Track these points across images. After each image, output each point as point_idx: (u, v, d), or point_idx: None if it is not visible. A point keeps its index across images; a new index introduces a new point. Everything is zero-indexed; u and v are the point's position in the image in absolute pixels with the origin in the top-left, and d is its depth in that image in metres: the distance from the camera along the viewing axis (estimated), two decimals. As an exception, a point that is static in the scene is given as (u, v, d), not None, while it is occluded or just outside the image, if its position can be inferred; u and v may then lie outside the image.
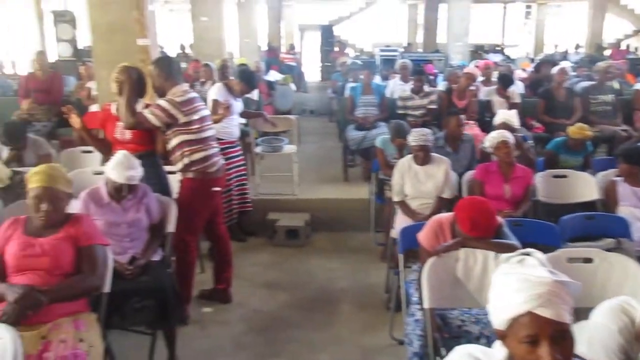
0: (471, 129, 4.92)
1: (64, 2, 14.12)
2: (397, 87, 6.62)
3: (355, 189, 5.48)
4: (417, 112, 5.61)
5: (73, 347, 2.02)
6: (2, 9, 13.42)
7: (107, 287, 2.36)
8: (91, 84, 6.18)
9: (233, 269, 3.78)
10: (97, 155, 4.37)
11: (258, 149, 5.28)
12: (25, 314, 2.01)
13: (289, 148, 5.32)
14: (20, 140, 4.17)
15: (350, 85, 6.54)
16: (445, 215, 2.57)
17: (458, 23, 10.85)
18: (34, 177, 2.26)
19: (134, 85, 3.31)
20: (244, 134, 5.27)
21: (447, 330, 2.36)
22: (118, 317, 2.64)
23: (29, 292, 2.05)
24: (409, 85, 6.22)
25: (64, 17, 9.78)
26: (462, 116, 4.34)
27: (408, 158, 3.75)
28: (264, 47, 13.89)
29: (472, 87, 5.73)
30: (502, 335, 1.21)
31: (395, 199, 3.75)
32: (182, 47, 13.53)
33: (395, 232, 3.67)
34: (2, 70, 7.56)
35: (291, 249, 4.69)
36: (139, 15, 4.02)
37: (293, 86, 9.70)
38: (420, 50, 15.60)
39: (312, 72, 15.33)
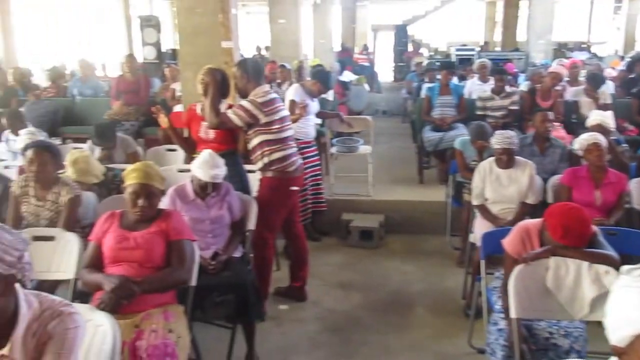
0: (557, 131, 4.68)
1: (150, 7, 14.91)
2: (475, 87, 6.42)
3: (431, 191, 5.38)
4: (497, 113, 5.42)
5: (163, 337, 2.11)
6: (94, 15, 14.37)
7: (193, 281, 2.46)
8: (175, 85, 6.47)
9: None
10: (180, 154, 4.56)
11: (333, 149, 5.31)
12: (120, 303, 2.14)
13: (364, 149, 5.31)
14: (110, 140, 4.42)
15: (427, 85, 6.43)
16: (533, 221, 2.46)
17: (540, 19, 10.36)
18: (131, 174, 2.39)
19: (219, 86, 3.43)
20: (319, 134, 5.31)
21: (533, 342, 2.26)
22: (199, 310, 2.74)
23: (124, 282, 2.18)
24: (488, 85, 6.03)
25: (149, 22, 10.28)
26: (550, 113, 4.12)
27: (490, 161, 3.63)
28: (337, 48, 13.94)
29: (557, 87, 5.45)
30: (620, 353, 1.13)
31: (475, 202, 3.63)
32: (258, 49, 13.88)
33: (474, 237, 3.57)
34: (94, 72, 8.06)
35: (365, 250, 4.68)
36: (223, 18, 4.16)
37: (366, 86, 9.67)
38: (498, 48, 15.07)
39: (384, 72, 15.22)
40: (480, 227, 3.47)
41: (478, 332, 3.02)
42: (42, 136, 4.13)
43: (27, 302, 1.43)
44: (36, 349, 1.41)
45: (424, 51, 15.51)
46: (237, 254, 3.08)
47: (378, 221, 4.86)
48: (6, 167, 4.02)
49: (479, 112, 5.47)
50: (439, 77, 6.04)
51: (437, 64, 7.63)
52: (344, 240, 4.83)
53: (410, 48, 14.91)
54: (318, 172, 4.84)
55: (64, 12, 13.48)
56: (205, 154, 3.01)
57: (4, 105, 6.20)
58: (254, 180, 3.71)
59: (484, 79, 6.46)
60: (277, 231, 3.63)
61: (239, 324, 2.92)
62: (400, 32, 15.80)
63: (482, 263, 2.82)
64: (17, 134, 4.87)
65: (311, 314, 3.59)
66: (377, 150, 5.67)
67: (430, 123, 5.67)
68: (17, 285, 1.41)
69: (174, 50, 12.43)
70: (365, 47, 15.01)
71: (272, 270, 3.66)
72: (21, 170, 3.79)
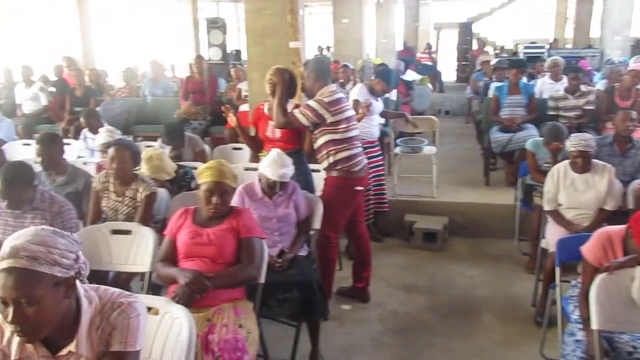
0: (637, 132, 4.40)
1: (217, 10, 15.34)
2: (546, 86, 6.16)
3: (497, 193, 5.21)
4: (571, 114, 5.18)
5: (234, 332, 2.16)
6: (163, 18, 14.95)
7: (262, 278, 2.50)
8: (241, 85, 6.62)
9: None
10: (246, 152, 4.66)
11: (397, 150, 5.25)
12: (194, 297, 2.20)
13: (428, 149, 5.22)
14: (179, 139, 4.56)
15: (495, 84, 6.23)
16: (615, 228, 2.32)
17: (617, 15, 9.79)
18: (205, 172, 2.46)
19: (286, 86, 3.47)
20: (382, 134, 5.27)
21: (614, 355, 2.13)
22: (265, 307, 2.78)
23: (198, 277, 2.24)
24: (561, 84, 5.78)
25: (216, 24, 10.59)
26: (634, 112, 3.88)
27: (564, 164, 3.46)
28: (399, 47, 13.79)
29: (638, 86, 5.14)
30: None
31: (547, 208, 3.48)
32: (320, 49, 13.95)
33: (546, 242, 3.43)
34: (164, 73, 8.39)
35: (428, 253, 4.60)
36: (292, 19, 4.21)
37: (430, 86, 9.50)
38: (569, 45, 14.40)
39: (447, 71, 14.90)
40: (553, 233, 3.33)
41: (550, 342, 2.90)
42: (118, 135, 4.33)
43: (88, 297, 1.48)
44: (101, 341, 1.46)
45: (489, 49, 15.05)
46: (303, 252, 3.11)
47: (442, 223, 4.77)
48: (84, 164, 4.24)
49: (551, 113, 5.25)
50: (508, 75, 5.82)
51: (506, 62, 7.36)
52: (407, 241, 4.77)
53: (475, 46, 14.52)
54: (381, 173, 4.80)
55: (136, 14, 14.10)
56: (273, 153, 3.05)
57: (83, 105, 6.56)
58: (318, 180, 3.74)
59: (556, 78, 6.19)
60: (340, 230, 3.62)
61: (304, 322, 2.95)
62: (465, 30, 15.41)
63: (558, 270, 2.70)
64: (94, 133, 5.14)
65: (374, 314, 3.57)
66: (441, 151, 5.56)
67: (498, 123, 5.49)
68: (77, 283, 1.45)
69: (238, 51, 12.74)
70: (429, 46, 14.73)
71: (336, 270, 3.67)
72: (99, 167, 4.00)
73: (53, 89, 7.43)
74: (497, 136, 5.34)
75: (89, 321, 1.46)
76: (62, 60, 8.42)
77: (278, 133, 3.60)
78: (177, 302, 2.07)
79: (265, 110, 3.69)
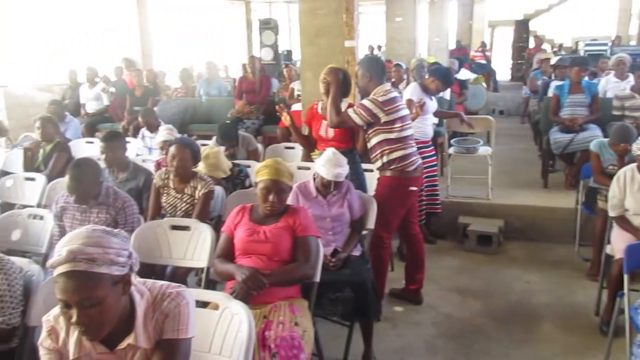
0: None
1: (269, 11, 15.54)
2: (611, 85, 5.89)
3: (556, 196, 5.03)
4: (637, 114, 4.92)
5: (290, 330, 2.17)
6: (217, 20, 15.28)
7: (318, 277, 2.50)
8: (294, 85, 6.68)
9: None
10: (298, 151, 4.69)
11: (451, 150, 5.15)
12: (250, 294, 2.23)
13: (484, 150, 5.09)
14: (233, 139, 4.64)
15: (555, 83, 6.00)
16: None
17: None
18: (262, 171, 2.49)
19: (340, 85, 3.47)
20: (436, 134, 5.18)
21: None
22: (317, 306, 2.79)
23: (255, 274, 2.27)
24: (626, 83, 5.51)
25: (268, 25, 10.73)
26: None
27: (631, 167, 3.27)
28: (452, 46, 13.54)
29: None
30: None
31: (612, 213, 3.30)
32: (371, 49, 13.88)
33: (612, 249, 3.27)
34: (218, 73, 8.57)
35: (483, 256, 4.48)
36: (347, 18, 4.20)
37: (484, 85, 9.27)
38: (633, 42, 13.72)
39: (501, 70, 14.49)
40: (619, 239, 3.17)
41: (616, 354, 2.77)
42: (177, 133, 4.45)
43: (139, 291, 1.52)
44: (156, 330, 1.50)
45: (546, 47, 14.54)
46: (357, 252, 3.09)
47: (497, 226, 4.64)
48: (143, 161, 4.39)
49: (616, 112, 5.01)
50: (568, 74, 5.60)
51: (568, 59, 7.08)
52: (461, 244, 4.67)
53: (532, 44, 14.05)
54: (434, 173, 4.72)
55: (192, 16, 14.48)
56: (329, 153, 3.05)
57: (142, 104, 6.78)
58: (371, 180, 3.71)
59: (621, 76, 5.91)
60: (393, 231, 3.58)
61: (356, 322, 2.93)
62: (521, 28, 14.96)
63: (626, 278, 2.57)
64: (152, 131, 5.31)
65: (427, 317, 3.51)
66: (496, 152, 5.40)
67: (558, 124, 5.28)
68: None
69: (289, 52, 12.87)
70: (483, 44, 14.37)
71: (388, 271, 3.63)
72: (158, 164, 4.13)
73: (113, 90, 7.73)
74: (557, 137, 5.14)
75: (143, 314, 1.49)
76: (122, 61, 8.74)
77: (331, 132, 3.61)
78: (235, 298, 2.10)
79: (319, 110, 3.70)
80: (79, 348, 1.49)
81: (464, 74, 8.56)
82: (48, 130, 4.46)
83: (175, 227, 2.83)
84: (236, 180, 3.85)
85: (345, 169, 3.05)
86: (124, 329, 1.47)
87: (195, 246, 2.77)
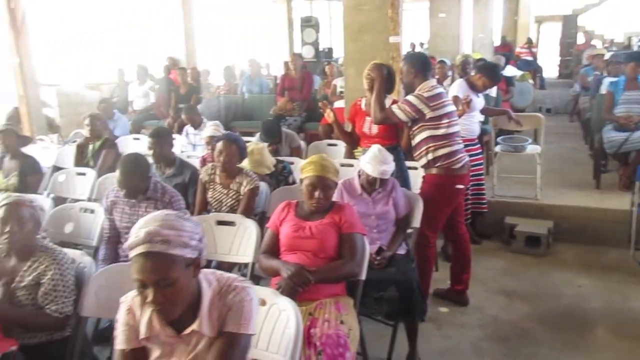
0: None
1: (310, 8, 15.56)
2: (669, 82, 5.58)
3: (609, 197, 4.82)
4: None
5: (336, 328, 2.15)
6: (259, 18, 15.43)
7: (363, 275, 2.46)
8: (336, 81, 6.66)
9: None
10: (341, 148, 4.67)
11: (497, 148, 5.01)
12: (296, 290, 2.21)
13: (532, 148, 4.93)
14: (276, 136, 4.66)
15: (608, 79, 5.75)
16: None
17: None
18: (308, 167, 2.47)
19: (384, 81, 3.41)
20: (482, 132, 5.05)
21: None
22: (361, 304, 2.75)
23: (300, 270, 2.25)
24: (687, 79, 5.20)
25: (309, 23, 10.74)
26: None
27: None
28: (497, 42, 13.21)
29: None
30: None
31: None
32: (413, 46, 13.71)
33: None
34: (260, 71, 8.64)
35: (531, 258, 4.34)
36: (392, 13, 4.15)
37: (531, 82, 9.01)
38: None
39: (548, 67, 14.04)
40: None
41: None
42: (223, 129, 4.49)
43: (207, 280, 1.55)
44: (219, 320, 1.51)
45: (596, 43, 14.00)
46: (402, 251, 3.04)
47: (546, 227, 4.48)
48: (188, 158, 4.45)
49: (674, 110, 4.75)
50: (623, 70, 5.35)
51: (623, 55, 6.78)
52: (507, 245, 4.54)
53: (580, 40, 13.55)
54: (480, 172, 4.60)
55: (234, 15, 14.67)
56: (374, 149, 3.01)
57: (186, 102, 6.90)
58: (415, 177, 3.65)
59: (680, 72, 5.59)
60: (438, 230, 3.51)
61: (401, 322, 2.88)
62: (569, 23, 14.42)
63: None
64: (195, 128, 5.40)
65: (473, 319, 3.42)
66: (544, 151, 5.22)
67: (612, 122, 5.06)
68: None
69: (329, 49, 12.85)
70: (529, 41, 13.96)
71: (432, 271, 3.56)
72: (203, 160, 4.19)
73: (159, 87, 7.90)
74: (611, 136, 4.92)
75: (209, 302, 1.51)
76: (167, 60, 8.92)
77: (375, 129, 3.56)
78: (280, 294, 2.10)
79: (362, 106, 3.66)
80: (149, 329, 1.54)
81: (510, 71, 8.34)
82: (96, 128, 4.58)
83: (221, 223, 2.86)
84: (280, 177, 3.86)
85: (391, 166, 3.01)
86: (190, 315, 1.50)
87: (240, 241, 2.79)
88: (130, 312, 1.58)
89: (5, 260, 2.25)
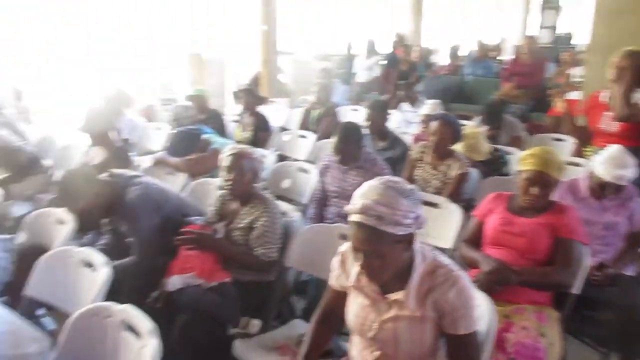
0: None
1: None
2: None
3: None
4: None
5: (534, 339, 1.94)
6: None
7: (576, 288, 2.18)
8: (572, 71, 5.97)
9: None
10: (569, 144, 4.20)
11: None
12: (494, 288, 2.05)
13: None
14: (498, 120, 4.38)
15: None
16: None
17: None
18: (527, 159, 2.25)
19: (636, 72, 2.93)
20: None
21: None
22: (571, 321, 2.44)
23: (502, 267, 2.09)
24: None
25: (550, 4, 9.82)
26: None
27: None
28: None
29: None
30: None
31: None
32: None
33: None
34: (487, 54, 8.22)
35: None
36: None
37: None
38: None
39: None
40: None
41: None
42: (441, 109, 4.41)
43: (422, 254, 1.57)
44: (433, 307, 1.53)
45: None
46: (630, 272, 2.60)
47: None
48: (402, 134, 4.47)
49: None
50: None
51: None
52: None
53: None
54: None
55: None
56: (614, 150, 2.59)
57: (406, 78, 6.95)
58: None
59: None
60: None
61: (615, 352, 2.49)
62: None
63: None
64: (412, 105, 5.39)
65: None
66: None
67: None
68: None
69: (568, 35, 11.55)
70: None
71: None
72: (417, 139, 4.16)
73: (385, 62, 8.10)
74: None
75: (419, 277, 1.54)
76: (395, 36, 9.07)
77: (615, 126, 3.12)
78: (477, 288, 1.97)
79: (603, 99, 3.21)
80: (357, 280, 1.64)
81: None
82: (322, 95, 4.90)
83: (425, 203, 2.79)
84: (494, 166, 3.63)
85: (630, 172, 2.56)
86: (398, 282, 1.56)
87: (442, 225, 2.70)
88: (344, 261, 1.71)
89: (229, 203, 2.59)
